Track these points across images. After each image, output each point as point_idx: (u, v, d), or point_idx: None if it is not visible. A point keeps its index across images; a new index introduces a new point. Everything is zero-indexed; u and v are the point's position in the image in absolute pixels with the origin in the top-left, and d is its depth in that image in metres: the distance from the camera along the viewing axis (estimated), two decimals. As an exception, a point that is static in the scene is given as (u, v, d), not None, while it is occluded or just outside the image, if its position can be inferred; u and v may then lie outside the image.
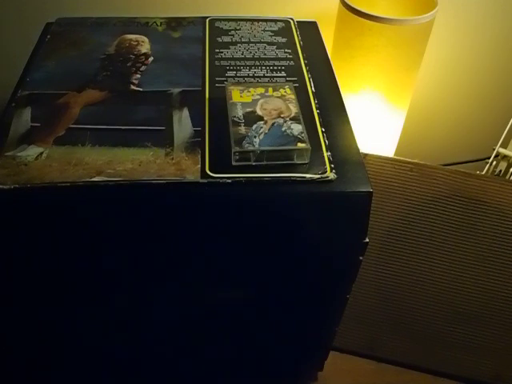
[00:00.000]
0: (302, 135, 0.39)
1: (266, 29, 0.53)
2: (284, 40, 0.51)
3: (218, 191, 0.37)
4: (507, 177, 0.65)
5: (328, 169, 0.39)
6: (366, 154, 0.56)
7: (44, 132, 0.40)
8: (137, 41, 0.50)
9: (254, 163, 0.38)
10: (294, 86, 0.44)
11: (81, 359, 0.51)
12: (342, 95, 0.46)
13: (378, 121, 0.68)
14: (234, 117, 0.40)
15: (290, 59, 0.49)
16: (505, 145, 0.67)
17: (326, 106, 0.44)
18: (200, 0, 0.70)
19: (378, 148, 0.71)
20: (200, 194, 0.37)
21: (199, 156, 0.39)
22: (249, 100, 0.42)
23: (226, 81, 0.46)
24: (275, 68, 0.47)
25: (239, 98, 0.42)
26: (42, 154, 0.38)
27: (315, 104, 0.44)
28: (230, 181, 0.37)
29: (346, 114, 0.44)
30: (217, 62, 0.48)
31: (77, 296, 0.43)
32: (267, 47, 0.50)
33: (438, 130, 0.90)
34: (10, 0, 0.68)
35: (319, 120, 0.43)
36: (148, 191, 0.37)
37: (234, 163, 0.38)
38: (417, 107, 0.84)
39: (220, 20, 0.54)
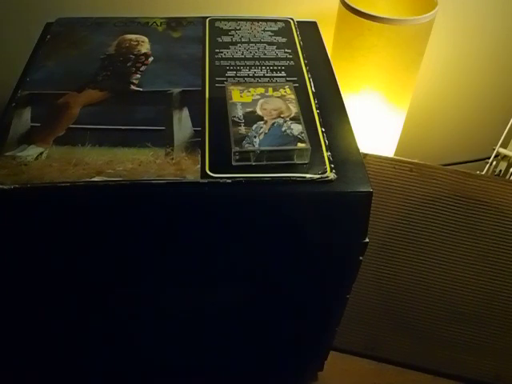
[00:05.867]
0: (302, 135, 0.39)
1: (266, 29, 0.53)
2: (284, 40, 0.51)
3: (218, 191, 0.37)
4: (507, 177, 0.65)
5: (328, 169, 0.39)
6: (366, 154, 0.56)
7: (44, 132, 0.40)
8: (137, 41, 0.50)
9: (254, 163, 0.38)
10: (294, 86, 0.44)
11: (80, 359, 0.51)
12: (342, 95, 0.46)
13: (378, 121, 0.68)
14: (234, 117, 0.40)
15: (290, 59, 0.49)
16: (505, 145, 0.67)
17: (326, 106, 0.44)
18: (200, 0, 0.70)
19: (377, 148, 0.71)
20: (200, 194, 0.37)
21: (199, 156, 0.39)
22: (249, 100, 0.42)
23: (226, 81, 0.46)
24: (275, 68, 0.47)
25: (239, 98, 0.42)
26: (42, 153, 0.38)
27: (315, 104, 0.44)
28: (230, 181, 0.37)
29: (346, 114, 0.44)
30: (217, 62, 0.48)
31: (77, 296, 0.43)
32: (267, 47, 0.50)
33: (438, 130, 0.90)
34: (10, 0, 0.68)
35: (319, 120, 0.43)
36: (148, 191, 0.37)
37: (234, 163, 0.38)
38: (417, 107, 0.84)
39: (220, 20, 0.54)
